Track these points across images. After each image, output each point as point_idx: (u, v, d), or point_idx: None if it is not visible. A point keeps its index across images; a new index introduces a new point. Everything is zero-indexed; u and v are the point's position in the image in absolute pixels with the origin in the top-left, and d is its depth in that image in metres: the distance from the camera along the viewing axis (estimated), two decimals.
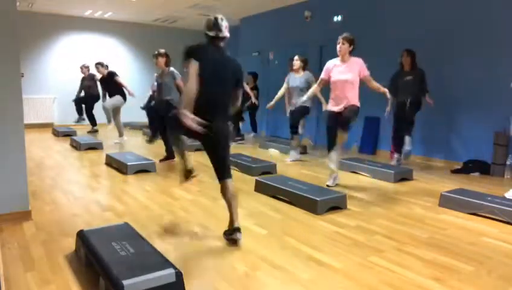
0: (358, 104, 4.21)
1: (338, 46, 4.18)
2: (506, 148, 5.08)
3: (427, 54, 5.58)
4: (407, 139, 5.47)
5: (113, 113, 7.39)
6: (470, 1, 5.53)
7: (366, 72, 4.19)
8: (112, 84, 7.38)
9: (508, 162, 5.06)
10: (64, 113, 10.19)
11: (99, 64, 7.52)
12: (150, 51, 11.32)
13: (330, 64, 4.31)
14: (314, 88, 4.57)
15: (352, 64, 4.19)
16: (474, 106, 5.51)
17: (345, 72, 4.17)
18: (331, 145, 4.36)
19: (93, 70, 8.62)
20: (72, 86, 9.40)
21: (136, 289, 1.91)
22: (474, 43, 5.47)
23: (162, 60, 5.45)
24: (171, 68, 5.50)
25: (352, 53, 4.21)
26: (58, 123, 10.11)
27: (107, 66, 7.62)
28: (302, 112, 5.79)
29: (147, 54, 10.23)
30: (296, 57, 5.97)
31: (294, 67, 5.95)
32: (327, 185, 4.34)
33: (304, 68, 5.95)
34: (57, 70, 10.22)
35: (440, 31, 5.84)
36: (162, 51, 5.49)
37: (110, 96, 7.44)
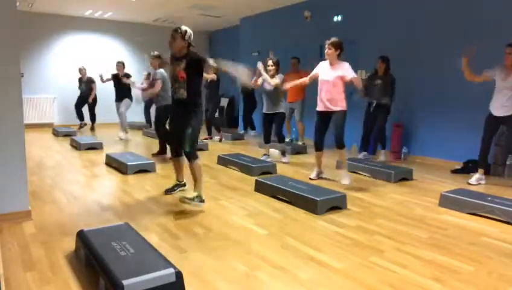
0: (343, 107, 4.42)
1: (325, 52, 4.41)
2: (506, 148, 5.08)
3: (427, 54, 5.58)
4: (381, 150, 5.99)
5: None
6: (471, 1, 5.52)
7: (349, 76, 4.30)
8: (122, 85, 7.72)
9: (508, 162, 5.06)
10: (64, 113, 10.21)
11: (120, 63, 7.86)
12: (149, 51, 11.37)
13: (321, 64, 4.57)
14: (304, 79, 4.73)
15: (337, 67, 4.39)
16: (475, 106, 5.50)
17: (329, 74, 4.41)
18: (317, 144, 4.63)
19: (88, 71, 8.99)
20: (72, 86, 9.43)
21: (136, 289, 1.91)
22: (474, 43, 5.46)
23: (155, 62, 5.86)
24: (160, 70, 5.89)
25: (340, 56, 4.40)
26: (58, 123, 10.12)
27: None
28: (281, 121, 5.70)
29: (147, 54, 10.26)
30: (270, 62, 5.54)
31: (270, 73, 5.48)
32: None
33: (277, 71, 5.53)
34: (57, 71, 10.23)
35: (440, 31, 5.83)
36: (156, 52, 5.86)
37: (119, 96, 7.81)
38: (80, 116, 9.19)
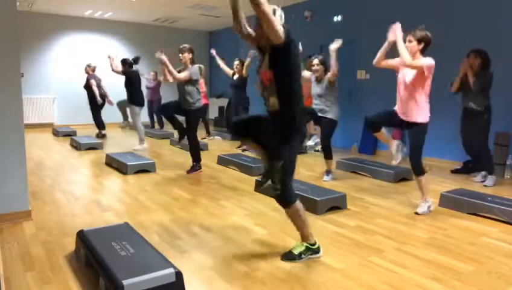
0: (422, 118, 3.45)
1: (406, 45, 3.49)
2: (506, 148, 5.08)
3: (428, 54, 5.57)
4: (487, 175, 4.76)
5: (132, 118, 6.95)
6: (471, 2, 5.53)
7: (425, 70, 3.37)
8: (130, 86, 6.85)
9: (508, 162, 5.06)
10: (64, 113, 10.21)
11: (121, 61, 7.13)
12: (150, 51, 11.30)
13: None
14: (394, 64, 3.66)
15: None
16: None
17: (408, 73, 3.50)
18: (371, 124, 3.69)
19: (94, 70, 8.50)
20: (72, 86, 9.44)
21: (136, 289, 1.91)
22: (473, 42, 5.47)
23: (187, 56, 5.00)
24: (195, 66, 5.07)
25: (425, 53, 3.47)
26: (58, 123, 10.13)
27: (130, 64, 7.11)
28: (329, 130, 4.66)
29: (147, 54, 10.21)
30: (316, 61, 4.60)
31: (317, 74, 4.63)
32: (416, 213, 3.55)
33: (325, 71, 4.60)
34: (57, 71, 10.22)
35: (440, 31, 5.83)
36: (187, 46, 5.05)
37: (128, 95, 6.86)
38: (99, 125, 8.29)
